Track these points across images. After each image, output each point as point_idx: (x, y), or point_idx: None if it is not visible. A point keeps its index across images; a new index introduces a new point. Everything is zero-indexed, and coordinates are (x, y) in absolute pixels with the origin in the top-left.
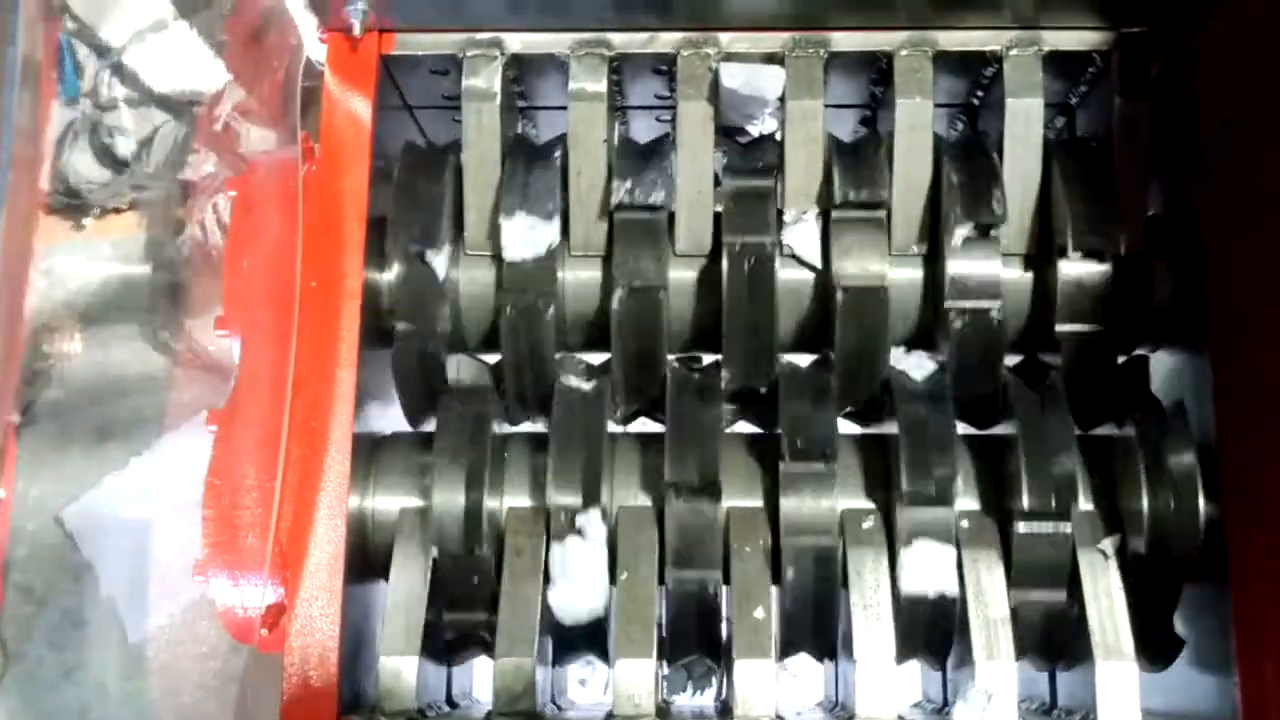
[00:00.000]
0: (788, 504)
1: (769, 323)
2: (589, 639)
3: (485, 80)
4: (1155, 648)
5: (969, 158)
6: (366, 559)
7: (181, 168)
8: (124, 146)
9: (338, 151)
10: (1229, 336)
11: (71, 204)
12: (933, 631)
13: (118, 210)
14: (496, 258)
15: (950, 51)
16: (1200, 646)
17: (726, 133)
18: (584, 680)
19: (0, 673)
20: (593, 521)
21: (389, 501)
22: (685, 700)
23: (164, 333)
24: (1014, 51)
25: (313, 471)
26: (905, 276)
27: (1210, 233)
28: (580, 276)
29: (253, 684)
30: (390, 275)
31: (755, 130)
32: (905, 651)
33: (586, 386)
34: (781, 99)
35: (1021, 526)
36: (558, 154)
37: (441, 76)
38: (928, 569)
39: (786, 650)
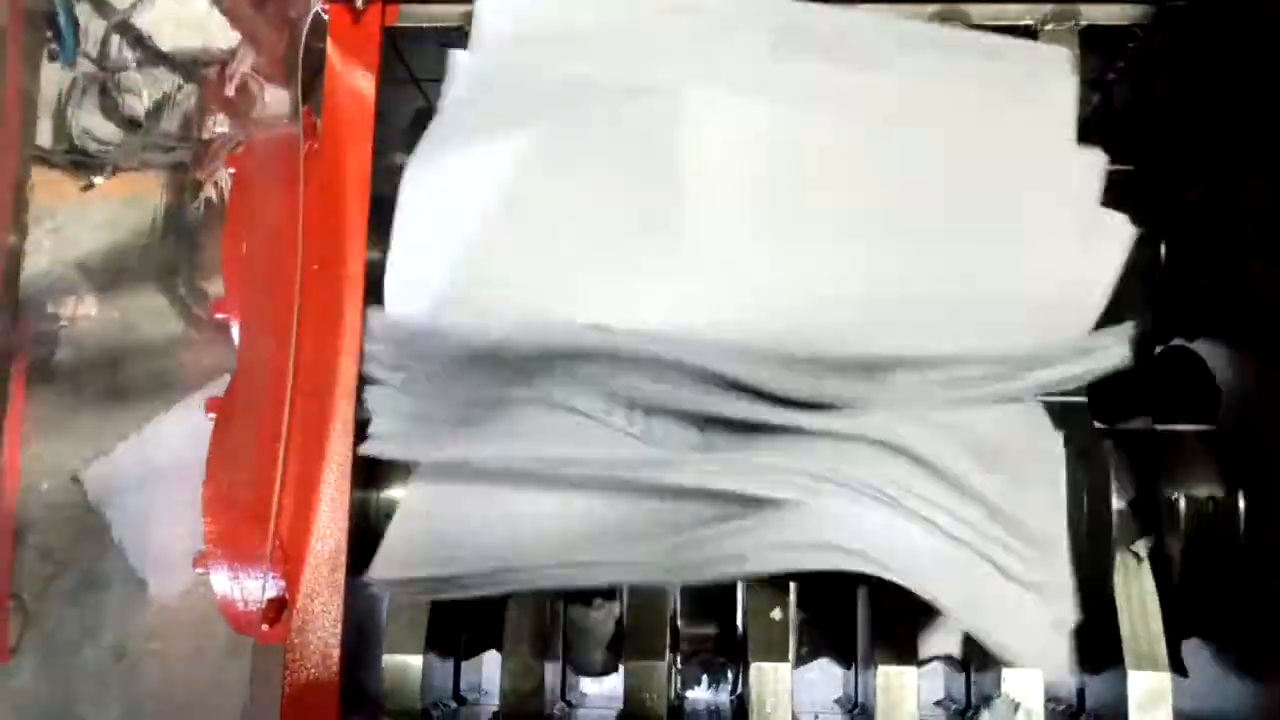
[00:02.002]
0: None
1: None
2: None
3: None
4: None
5: None
6: (370, 552)
7: (197, 128)
8: (136, 106)
9: (340, 128)
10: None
11: (79, 162)
12: None
13: (130, 170)
14: None
15: (983, 25)
16: (1237, 649)
17: None
18: None
19: (19, 632)
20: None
21: (394, 492)
22: (699, 693)
23: (181, 294)
24: (1050, 26)
25: (315, 461)
26: None
27: (1263, 219)
28: None
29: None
30: None
31: None
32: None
33: None
34: None
35: None
36: None
37: (448, 49)
38: None
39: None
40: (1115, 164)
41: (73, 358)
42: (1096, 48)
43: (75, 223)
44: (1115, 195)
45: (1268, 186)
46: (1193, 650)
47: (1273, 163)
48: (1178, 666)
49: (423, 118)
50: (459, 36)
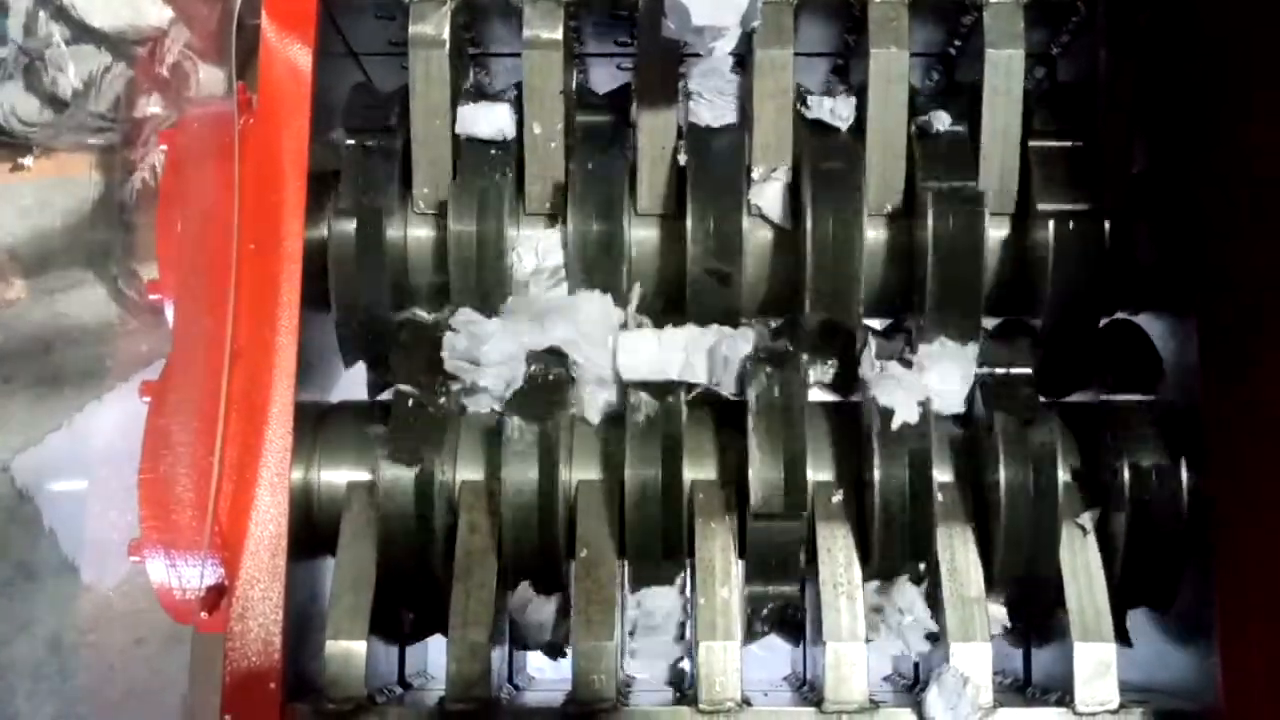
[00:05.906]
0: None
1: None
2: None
3: (433, 27)
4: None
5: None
6: (312, 536)
7: (130, 108)
8: (66, 85)
9: (276, 103)
10: (1221, 298)
11: (6, 143)
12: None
13: (60, 150)
14: (445, 215)
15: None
16: (1180, 620)
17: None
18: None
19: None
20: None
21: (335, 474)
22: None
23: (117, 279)
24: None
25: (253, 444)
26: (878, 237)
27: (1209, 191)
28: (535, 235)
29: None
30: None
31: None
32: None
33: None
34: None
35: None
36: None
37: (388, 21)
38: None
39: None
40: (1060, 138)
41: (2, 344)
42: (1041, 22)
43: (3, 205)
44: (1061, 169)
45: (1213, 158)
46: (1137, 621)
47: (1218, 134)
48: (1122, 637)
49: (361, 92)
50: (397, 8)
